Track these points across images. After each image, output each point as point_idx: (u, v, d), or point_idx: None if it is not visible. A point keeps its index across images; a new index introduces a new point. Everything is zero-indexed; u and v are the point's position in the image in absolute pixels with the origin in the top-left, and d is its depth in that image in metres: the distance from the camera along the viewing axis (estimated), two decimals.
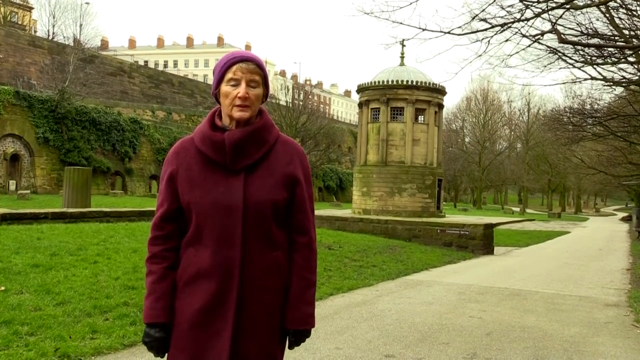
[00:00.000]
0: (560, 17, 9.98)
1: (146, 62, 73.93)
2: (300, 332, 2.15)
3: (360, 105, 22.85)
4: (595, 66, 13.30)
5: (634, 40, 11.64)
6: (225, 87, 2.07)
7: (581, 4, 9.10)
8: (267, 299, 2.08)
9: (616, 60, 12.74)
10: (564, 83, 23.46)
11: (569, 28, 11.86)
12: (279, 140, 2.16)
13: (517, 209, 62.92)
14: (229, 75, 2.07)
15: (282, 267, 2.12)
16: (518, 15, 9.32)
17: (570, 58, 12.29)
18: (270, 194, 2.07)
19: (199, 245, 2.07)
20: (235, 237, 2.03)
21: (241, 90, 2.05)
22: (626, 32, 12.05)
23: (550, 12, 9.29)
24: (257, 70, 2.09)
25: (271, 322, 2.09)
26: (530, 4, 9.14)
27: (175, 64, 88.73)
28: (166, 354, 2.12)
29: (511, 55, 12.16)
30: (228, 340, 2.01)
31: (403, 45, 22.95)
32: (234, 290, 2.02)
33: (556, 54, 11.77)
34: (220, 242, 2.03)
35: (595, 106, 20.79)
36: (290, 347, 2.19)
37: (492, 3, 9.13)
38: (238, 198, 2.03)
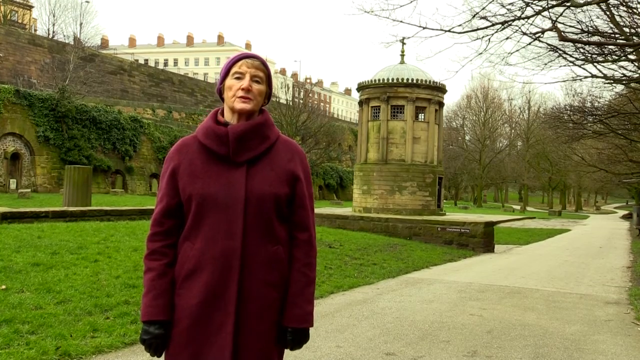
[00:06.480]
0: (561, 14, 9.96)
1: (146, 60, 73.97)
2: (298, 331, 2.11)
3: (361, 103, 22.81)
4: (595, 64, 13.28)
5: (634, 37, 11.62)
6: (230, 81, 2.14)
7: (581, 1, 9.07)
8: (267, 293, 2.06)
9: (617, 58, 12.72)
10: (564, 81, 23.58)
11: (570, 26, 11.83)
12: (280, 139, 2.21)
13: (518, 207, 62.90)
14: (235, 69, 2.14)
15: (282, 261, 2.12)
16: (518, 13, 9.31)
17: (570, 56, 12.26)
18: (272, 187, 2.08)
19: (196, 239, 2.06)
20: (235, 229, 2.03)
21: (245, 82, 2.11)
22: (626, 29, 12.03)
23: (550, 10, 9.28)
24: (261, 67, 2.16)
25: (271, 317, 2.07)
26: (531, 1, 9.13)
27: (176, 62, 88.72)
28: (163, 354, 2.08)
29: (511, 53, 12.18)
30: (230, 335, 1.99)
31: (403, 44, 22.91)
32: (234, 282, 2.01)
33: (556, 51, 11.75)
34: (220, 233, 2.03)
35: (596, 104, 20.76)
36: (290, 348, 2.14)
37: (493, 1, 9.12)
38: (240, 190, 2.05)
